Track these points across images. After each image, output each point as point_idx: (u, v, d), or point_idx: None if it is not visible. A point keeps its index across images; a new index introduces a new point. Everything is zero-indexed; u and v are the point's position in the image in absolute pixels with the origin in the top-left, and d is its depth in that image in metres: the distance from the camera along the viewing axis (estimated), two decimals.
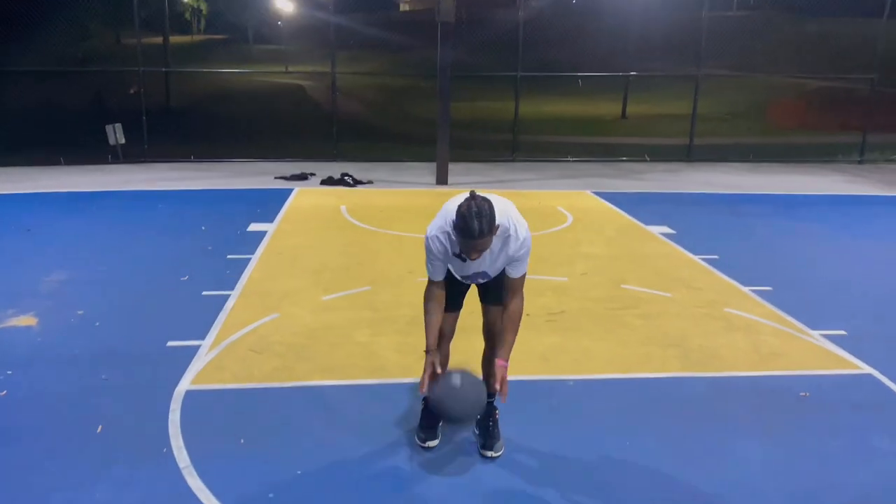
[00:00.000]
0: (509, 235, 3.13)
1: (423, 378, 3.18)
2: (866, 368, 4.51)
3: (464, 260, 3.14)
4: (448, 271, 3.29)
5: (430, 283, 3.27)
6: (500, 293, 3.33)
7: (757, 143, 16.70)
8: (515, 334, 3.28)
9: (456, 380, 3.14)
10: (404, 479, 3.29)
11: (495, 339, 3.40)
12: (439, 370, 3.17)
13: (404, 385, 4.13)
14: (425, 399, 3.51)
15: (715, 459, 3.49)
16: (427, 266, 3.24)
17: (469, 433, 3.60)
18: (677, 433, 3.71)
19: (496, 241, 3.10)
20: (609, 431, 3.71)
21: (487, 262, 3.19)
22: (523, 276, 3.29)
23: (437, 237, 3.14)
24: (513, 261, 3.21)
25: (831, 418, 3.90)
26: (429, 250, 3.19)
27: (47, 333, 4.82)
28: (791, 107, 21.86)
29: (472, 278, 3.34)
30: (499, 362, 3.20)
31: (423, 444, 3.47)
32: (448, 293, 3.32)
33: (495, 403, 3.51)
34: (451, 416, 3.15)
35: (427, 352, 3.20)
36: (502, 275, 3.30)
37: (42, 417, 3.75)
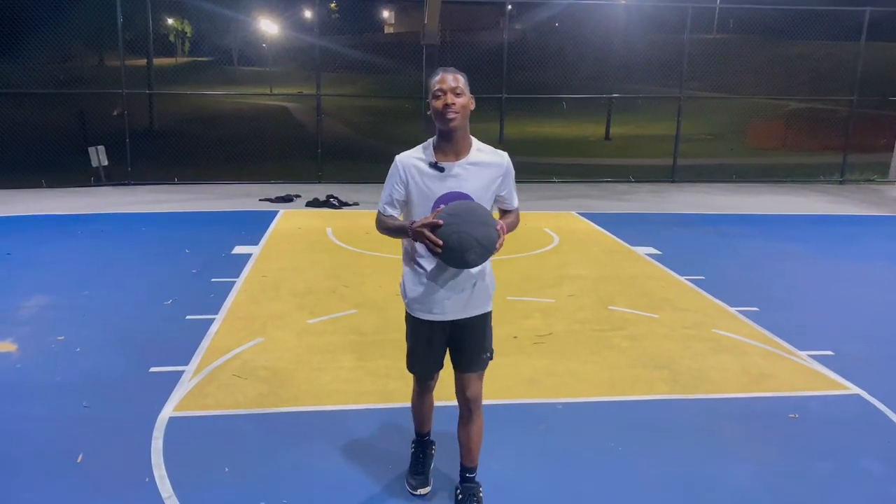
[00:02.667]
0: (492, 151, 2.95)
1: (426, 232, 2.69)
2: (854, 389, 4.51)
3: (441, 170, 2.84)
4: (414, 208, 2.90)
5: (380, 215, 2.96)
6: (475, 356, 3.07)
7: (739, 163, 16.90)
8: (516, 224, 3.11)
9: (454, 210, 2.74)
10: None
11: (472, 408, 3.12)
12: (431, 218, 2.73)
13: (391, 410, 4.08)
14: (414, 443, 3.40)
15: (706, 483, 3.45)
16: (382, 195, 2.94)
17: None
18: (667, 457, 3.67)
19: (478, 154, 2.90)
20: (599, 455, 3.67)
21: (473, 178, 2.87)
22: (518, 210, 3.12)
23: (409, 153, 2.92)
24: (503, 183, 2.96)
25: (821, 440, 3.88)
26: (393, 171, 2.91)
27: (26, 360, 4.73)
28: (772, 127, 22.16)
29: (453, 203, 2.80)
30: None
31: (413, 492, 3.30)
32: (423, 359, 3.12)
33: (477, 479, 3.24)
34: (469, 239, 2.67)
35: (409, 227, 2.78)
36: (478, 331, 3.04)
37: (20, 447, 3.65)
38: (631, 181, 13.54)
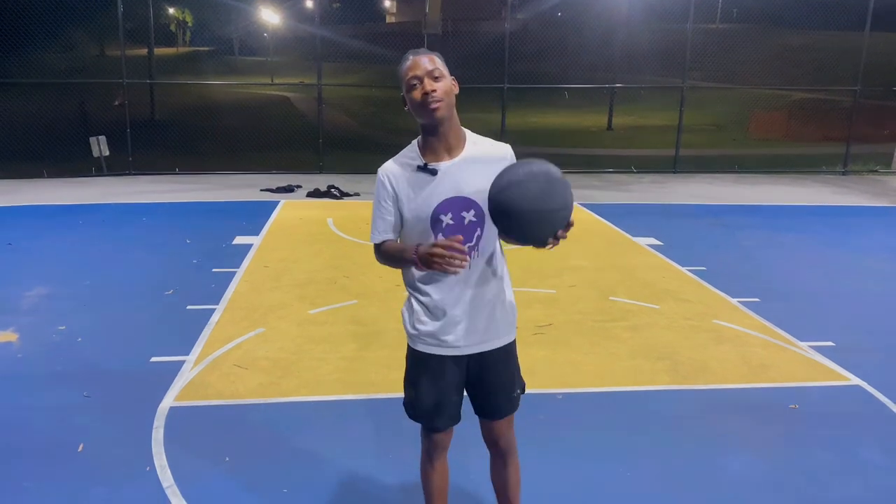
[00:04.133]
0: (491, 143, 2.46)
1: (437, 255, 2.17)
2: (855, 380, 4.51)
3: (433, 173, 2.32)
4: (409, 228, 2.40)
5: (376, 248, 2.47)
6: (501, 397, 2.56)
7: (742, 153, 16.86)
8: None
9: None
10: (393, 498, 3.24)
11: (506, 456, 2.67)
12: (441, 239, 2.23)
13: (392, 400, 4.08)
14: None
15: (705, 475, 3.45)
16: (373, 222, 2.44)
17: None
18: (668, 448, 3.68)
19: (476, 147, 2.39)
20: (598, 446, 3.68)
21: (474, 178, 2.32)
22: None
23: (391, 162, 2.41)
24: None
25: (821, 431, 3.88)
26: (378, 188, 2.40)
27: (28, 350, 4.74)
28: (774, 118, 22.09)
29: (456, 211, 2.33)
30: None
31: None
32: (433, 405, 2.49)
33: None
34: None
35: (415, 253, 2.26)
36: (502, 366, 2.54)
37: (21, 436, 3.66)
38: (633, 171, 13.50)
